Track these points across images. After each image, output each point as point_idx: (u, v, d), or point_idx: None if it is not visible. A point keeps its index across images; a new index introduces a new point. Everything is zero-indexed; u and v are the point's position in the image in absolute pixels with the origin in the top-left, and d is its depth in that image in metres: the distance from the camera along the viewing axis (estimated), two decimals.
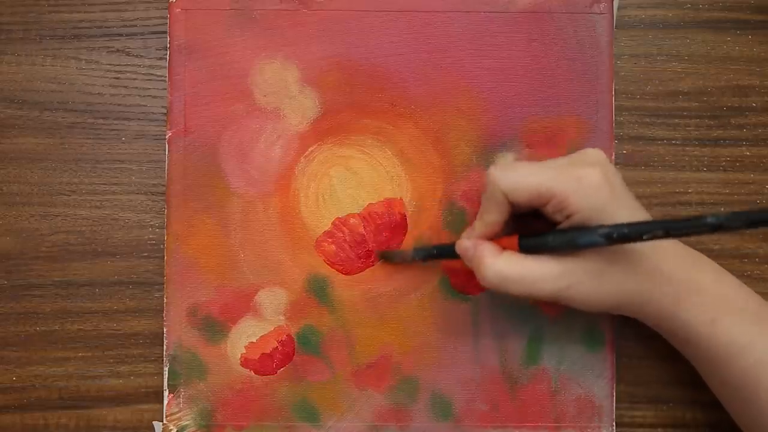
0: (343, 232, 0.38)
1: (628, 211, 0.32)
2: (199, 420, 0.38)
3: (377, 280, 0.39)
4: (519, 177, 0.32)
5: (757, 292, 0.39)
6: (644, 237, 0.29)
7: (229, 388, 0.38)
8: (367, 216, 0.39)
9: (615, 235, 0.30)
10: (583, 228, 0.31)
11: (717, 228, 0.28)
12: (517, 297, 0.33)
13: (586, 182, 0.31)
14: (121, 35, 0.40)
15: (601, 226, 0.30)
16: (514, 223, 0.34)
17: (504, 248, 0.33)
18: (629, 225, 0.30)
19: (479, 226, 0.34)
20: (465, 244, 0.34)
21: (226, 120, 0.39)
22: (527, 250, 0.32)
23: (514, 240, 0.33)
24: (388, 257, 0.38)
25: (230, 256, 0.38)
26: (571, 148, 0.39)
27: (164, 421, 0.38)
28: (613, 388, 0.38)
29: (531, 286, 0.32)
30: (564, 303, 0.33)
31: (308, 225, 0.39)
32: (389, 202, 0.39)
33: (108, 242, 0.39)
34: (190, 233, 0.38)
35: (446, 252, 0.36)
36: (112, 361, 0.39)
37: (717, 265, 0.35)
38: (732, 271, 0.39)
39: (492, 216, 0.33)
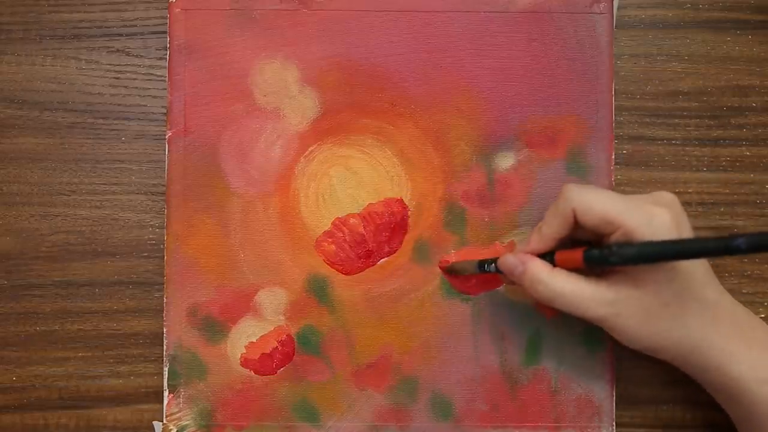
0: (343, 232, 0.38)
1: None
2: (199, 420, 0.38)
3: (377, 280, 0.39)
4: (594, 199, 0.32)
5: (757, 292, 0.40)
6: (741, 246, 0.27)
7: (229, 388, 0.38)
8: (367, 216, 0.39)
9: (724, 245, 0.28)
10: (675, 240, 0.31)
11: None
12: (567, 312, 0.33)
13: (657, 221, 0.31)
14: (121, 35, 0.40)
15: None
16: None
17: (562, 261, 0.33)
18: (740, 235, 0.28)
19: (535, 240, 0.34)
20: (511, 261, 0.34)
21: (226, 120, 0.39)
22: (592, 263, 0.32)
23: (579, 253, 0.32)
24: (453, 270, 0.38)
25: (230, 256, 0.38)
26: (571, 148, 0.39)
27: (164, 421, 0.38)
28: (613, 388, 0.38)
29: (582, 306, 0.32)
30: (608, 329, 0.33)
31: (308, 225, 0.39)
32: (389, 202, 0.39)
33: (108, 242, 0.39)
34: (190, 233, 0.38)
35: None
36: (112, 361, 0.39)
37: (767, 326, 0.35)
38: (732, 271, 0.40)
39: (552, 230, 0.33)
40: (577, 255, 0.32)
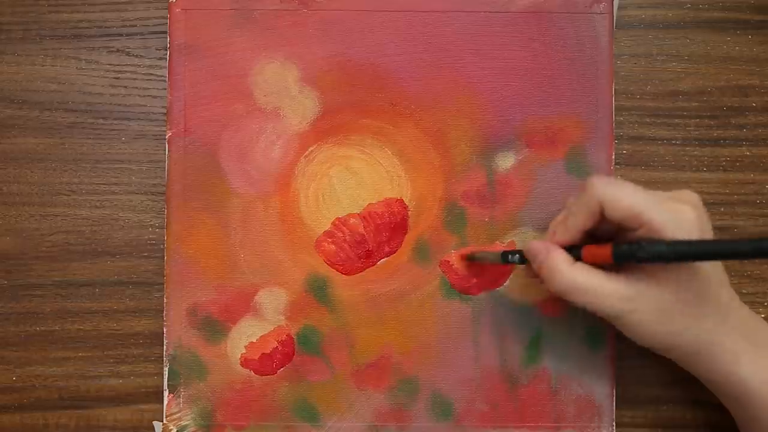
0: (343, 232, 0.38)
1: None
2: (199, 420, 0.38)
3: (377, 280, 0.39)
4: (621, 192, 0.32)
5: (757, 292, 0.40)
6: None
7: (229, 388, 0.38)
8: (367, 216, 0.39)
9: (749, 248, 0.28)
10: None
11: None
12: (580, 306, 0.32)
13: (683, 217, 0.31)
14: (121, 35, 0.40)
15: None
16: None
17: (590, 255, 0.33)
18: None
19: (561, 231, 0.34)
20: (537, 246, 0.34)
21: (226, 120, 0.39)
22: (621, 258, 0.31)
23: (607, 248, 0.32)
24: (474, 258, 0.38)
25: (230, 256, 0.38)
26: (571, 148, 0.39)
27: (164, 421, 0.38)
28: (613, 388, 0.38)
29: (598, 300, 0.32)
30: (622, 326, 0.33)
31: (308, 225, 0.39)
32: (389, 202, 0.39)
33: (108, 242, 0.39)
34: (190, 233, 0.38)
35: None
36: (112, 361, 0.39)
37: None
38: (732, 271, 0.40)
39: (578, 222, 0.33)
40: (605, 250, 0.32)
